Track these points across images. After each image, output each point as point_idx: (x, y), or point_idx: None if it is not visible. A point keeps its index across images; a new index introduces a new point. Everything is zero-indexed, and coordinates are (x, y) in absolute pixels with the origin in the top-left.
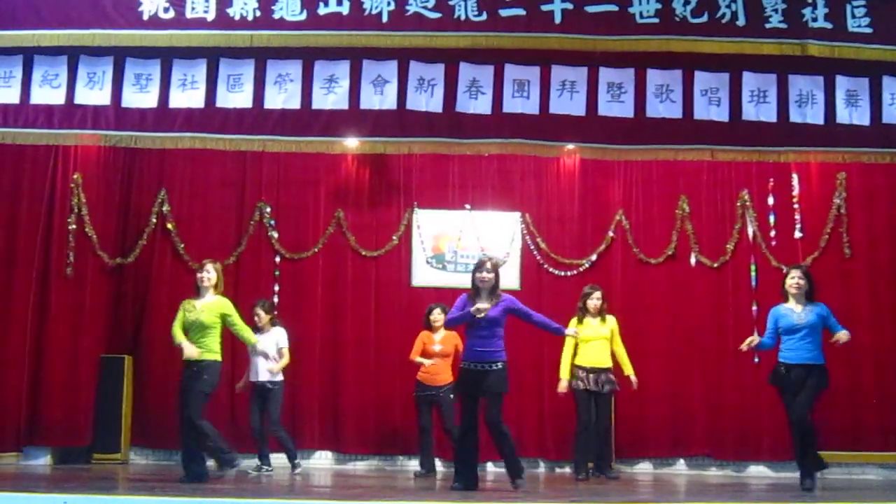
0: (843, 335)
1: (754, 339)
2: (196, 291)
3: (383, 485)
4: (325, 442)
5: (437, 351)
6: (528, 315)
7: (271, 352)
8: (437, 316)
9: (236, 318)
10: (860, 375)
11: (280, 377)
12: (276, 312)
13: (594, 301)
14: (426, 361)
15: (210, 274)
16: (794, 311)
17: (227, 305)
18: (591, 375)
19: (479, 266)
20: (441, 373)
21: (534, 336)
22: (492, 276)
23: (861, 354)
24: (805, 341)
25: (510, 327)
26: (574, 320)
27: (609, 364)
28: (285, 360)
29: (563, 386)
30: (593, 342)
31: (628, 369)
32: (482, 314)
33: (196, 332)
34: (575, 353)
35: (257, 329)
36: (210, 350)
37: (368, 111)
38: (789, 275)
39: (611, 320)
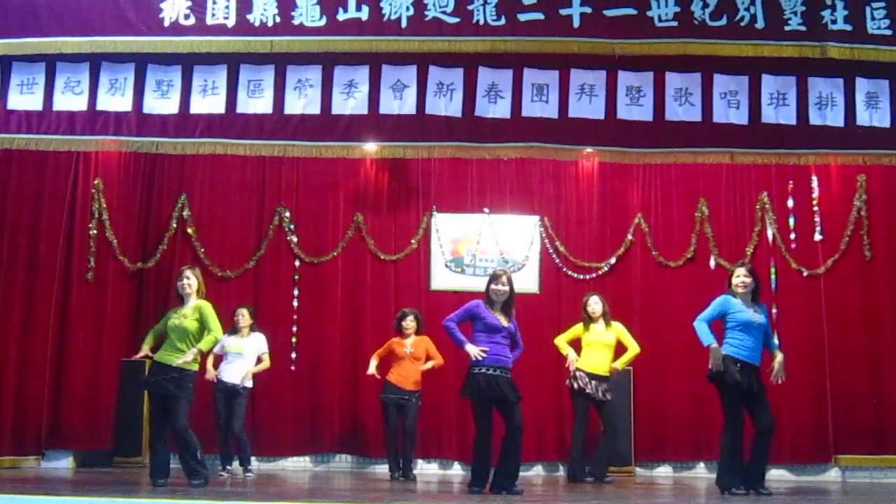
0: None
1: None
2: (179, 301)
3: (403, 488)
4: (345, 445)
5: (408, 353)
6: (516, 343)
7: (251, 356)
8: (409, 323)
9: (208, 319)
10: (882, 378)
11: (250, 383)
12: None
13: (593, 305)
14: (372, 369)
15: (190, 280)
16: (749, 307)
17: (203, 306)
18: (594, 382)
19: (496, 278)
20: (412, 376)
21: (549, 340)
22: (507, 288)
23: (882, 357)
24: (759, 342)
25: (531, 331)
26: (580, 326)
27: (607, 372)
28: (265, 364)
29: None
30: (596, 346)
31: (618, 362)
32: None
33: (179, 337)
34: (578, 355)
35: (237, 331)
36: (191, 360)
37: (388, 116)
38: (735, 273)
39: (616, 326)
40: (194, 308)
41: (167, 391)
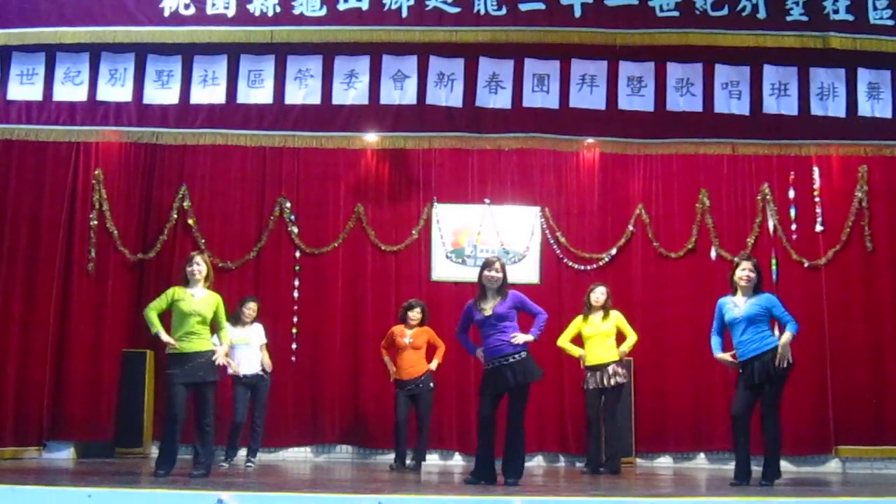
0: (784, 345)
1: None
2: (185, 282)
3: (404, 478)
4: (346, 436)
5: (407, 343)
6: (535, 313)
7: (256, 344)
8: (416, 315)
9: (223, 315)
10: (882, 370)
11: (270, 364)
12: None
13: (597, 295)
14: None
15: (201, 267)
16: (736, 304)
17: (221, 301)
18: (598, 373)
19: (488, 265)
20: (415, 365)
21: (552, 332)
22: (500, 275)
23: (883, 349)
24: (747, 336)
25: (531, 323)
26: (579, 319)
27: (612, 358)
28: (265, 354)
29: (582, 354)
30: (594, 339)
31: (623, 346)
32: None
33: (197, 322)
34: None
35: (240, 322)
36: (209, 341)
37: (388, 106)
38: (739, 266)
39: (614, 315)
40: (214, 298)
41: (201, 378)
